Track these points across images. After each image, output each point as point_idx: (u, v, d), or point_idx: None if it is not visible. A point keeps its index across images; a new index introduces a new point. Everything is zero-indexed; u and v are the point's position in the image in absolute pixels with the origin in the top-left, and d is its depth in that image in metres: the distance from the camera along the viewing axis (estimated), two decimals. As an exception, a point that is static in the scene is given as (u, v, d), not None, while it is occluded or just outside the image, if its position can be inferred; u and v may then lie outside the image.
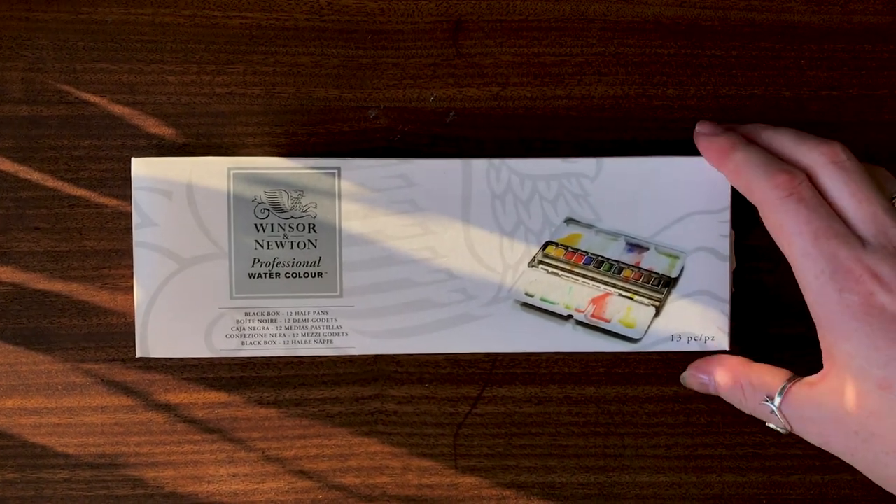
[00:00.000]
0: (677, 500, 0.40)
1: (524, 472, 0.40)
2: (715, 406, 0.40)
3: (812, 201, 0.33)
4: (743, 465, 0.40)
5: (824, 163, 0.34)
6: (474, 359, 0.39)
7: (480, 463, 0.40)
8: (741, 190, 0.35)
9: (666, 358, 0.40)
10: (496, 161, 0.37)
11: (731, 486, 0.40)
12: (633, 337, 0.37)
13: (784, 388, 0.34)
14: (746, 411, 0.36)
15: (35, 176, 0.39)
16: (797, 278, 0.33)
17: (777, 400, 0.34)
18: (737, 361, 0.36)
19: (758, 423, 0.39)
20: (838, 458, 0.39)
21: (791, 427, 0.34)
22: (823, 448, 0.34)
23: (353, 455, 0.39)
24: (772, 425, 0.35)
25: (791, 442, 0.40)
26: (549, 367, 0.40)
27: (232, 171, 0.36)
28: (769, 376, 0.35)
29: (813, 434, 0.34)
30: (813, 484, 0.40)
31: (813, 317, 0.33)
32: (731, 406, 0.40)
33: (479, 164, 0.37)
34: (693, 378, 0.38)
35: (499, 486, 0.40)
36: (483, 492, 0.39)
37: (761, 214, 0.34)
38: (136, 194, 0.36)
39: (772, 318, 0.40)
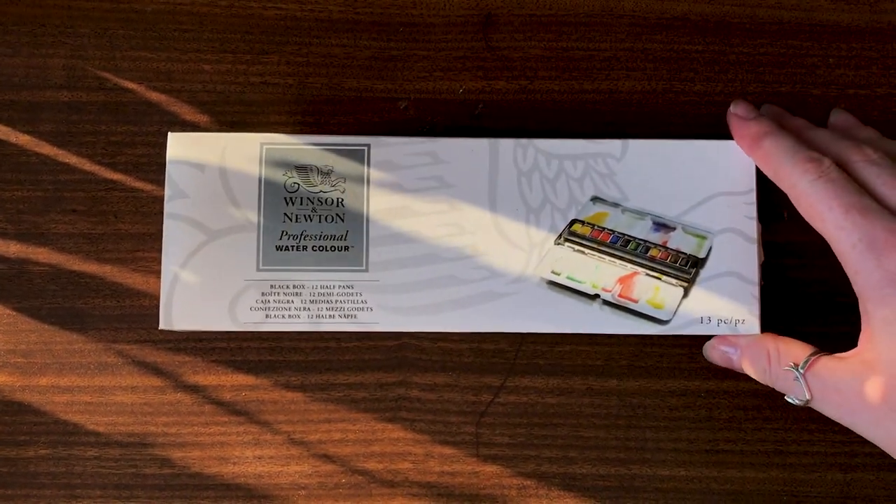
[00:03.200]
0: (697, 495, 0.40)
1: (545, 462, 0.40)
2: (737, 401, 0.40)
3: (840, 181, 0.33)
4: (764, 461, 0.40)
5: (856, 160, 0.34)
6: (497, 348, 0.40)
7: (502, 452, 0.40)
8: (771, 177, 0.35)
9: (689, 352, 0.40)
10: (523, 141, 0.37)
11: (752, 481, 0.40)
12: (663, 318, 0.36)
13: (811, 356, 0.34)
14: (767, 380, 0.36)
15: (73, 160, 0.40)
16: (836, 252, 0.33)
17: (803, 367, 0.34)
18: (764, 334, 0.36)
19: (780, 419, 0.40)
20: (861, 457, 0.39)
21: (812, 396, 0.34)
22: (839, 421, 0.34)
23: (376, 440, 0.40)
24: (790, 398, 0.35)
25: (813, 439, 0.40)
26: (571, 358, 0.40)
27: (264, 147, 0.37)
28: (797, 347, 0.35)
29: (833, 404, 0.34)
30: (834, 482, 0.40)
31: (854, 287, 0.33)
32: (753, 401, 0.40)
33: (506, 144, 0.37)
34: (715, 350, 0.38)
35: (520, 476, 0.40)
36: (504, 480, 0.40)
37: (793, 201, 0.34)
38: (171, 168, 0.36)
39: (798, 314, 0.40)
